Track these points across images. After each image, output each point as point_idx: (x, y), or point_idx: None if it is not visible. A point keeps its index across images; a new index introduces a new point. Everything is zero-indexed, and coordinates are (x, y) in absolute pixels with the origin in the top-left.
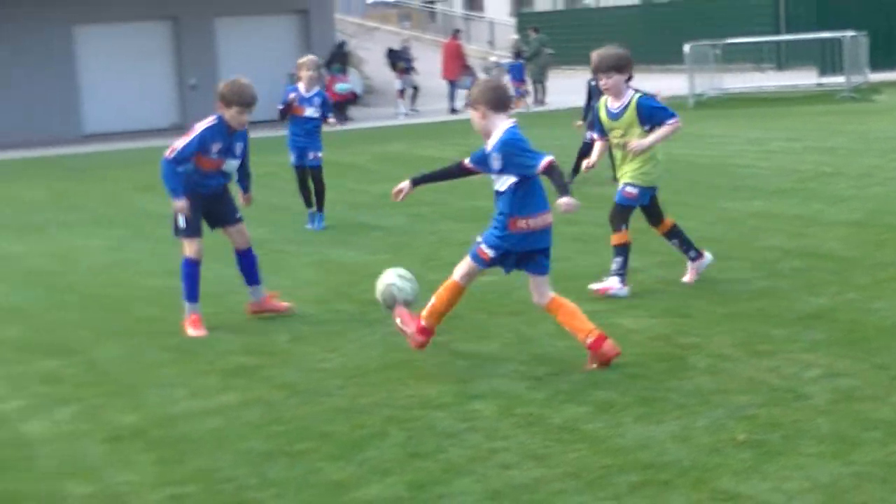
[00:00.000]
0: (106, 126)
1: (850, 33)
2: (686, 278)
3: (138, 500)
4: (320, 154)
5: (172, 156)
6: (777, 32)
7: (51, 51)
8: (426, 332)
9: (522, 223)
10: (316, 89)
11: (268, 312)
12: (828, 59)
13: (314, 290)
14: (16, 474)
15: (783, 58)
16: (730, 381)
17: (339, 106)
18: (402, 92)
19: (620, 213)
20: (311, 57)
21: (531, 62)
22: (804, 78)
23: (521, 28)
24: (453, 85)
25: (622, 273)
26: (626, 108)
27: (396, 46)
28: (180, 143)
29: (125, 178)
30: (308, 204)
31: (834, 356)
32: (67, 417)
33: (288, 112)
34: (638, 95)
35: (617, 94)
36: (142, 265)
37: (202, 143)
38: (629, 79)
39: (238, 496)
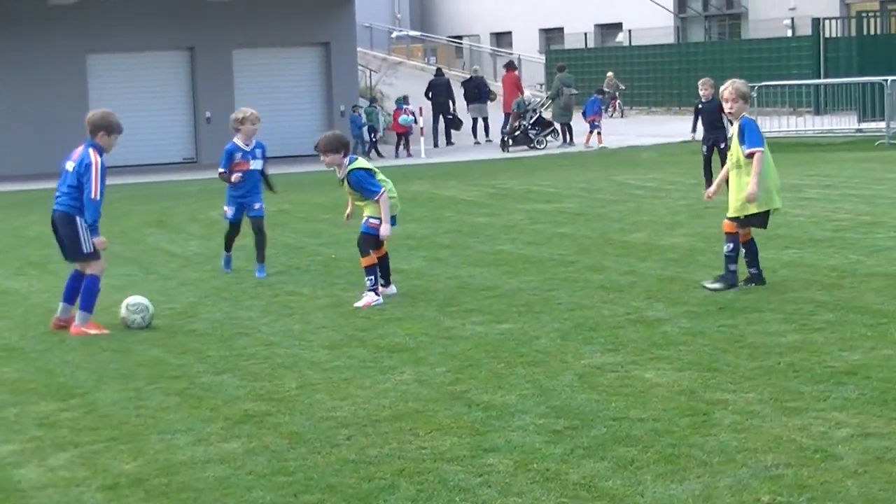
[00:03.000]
0: (116, 159)
1: (891, 78)
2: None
3: None
4: (262, 204)
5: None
6: (817, 76)
7: (63, 79)
8: None
9: None
10: (255, 141)
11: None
12: (868, 103)
13: (327, 334)
14: None
15: (822, 102)
16: (756, 439)
17: (402, 138)
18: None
19: None
20: (254, 112)
21: (553, 103)
22: (843, 123)
23: (550, 66)
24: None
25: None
26: None
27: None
28: (96, 181)
29: (135, 213)
30: (227, 248)
31: (866, 415)
32: (64, 463)
33: (231, 172)
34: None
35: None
36: None
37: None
38: None
39: None
